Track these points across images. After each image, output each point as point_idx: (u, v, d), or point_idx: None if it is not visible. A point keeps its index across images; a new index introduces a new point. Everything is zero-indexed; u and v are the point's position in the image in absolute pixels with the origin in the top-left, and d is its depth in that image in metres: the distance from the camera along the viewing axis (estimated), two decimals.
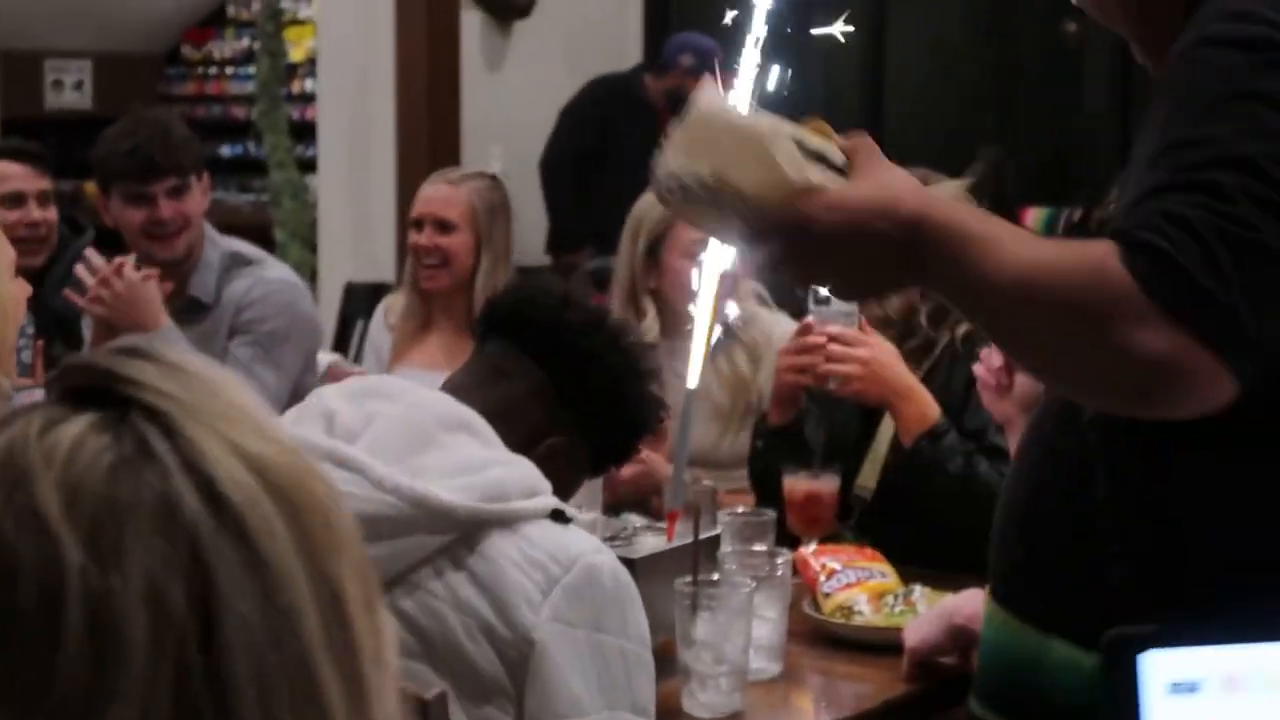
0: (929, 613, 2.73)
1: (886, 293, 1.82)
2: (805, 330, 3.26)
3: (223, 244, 4.26)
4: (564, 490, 2.25)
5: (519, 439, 2.20)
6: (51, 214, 4.58)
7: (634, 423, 2.37)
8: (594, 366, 2.30)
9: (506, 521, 2.08)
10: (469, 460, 2.11)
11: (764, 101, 2.32)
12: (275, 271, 4.33)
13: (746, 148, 1.72)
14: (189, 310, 4.18)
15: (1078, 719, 1.76)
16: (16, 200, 4.53)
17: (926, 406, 3.14)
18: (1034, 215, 8.34)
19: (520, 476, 2.13)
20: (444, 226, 4.07)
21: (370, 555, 2.06)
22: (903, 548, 3.04)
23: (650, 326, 3.88)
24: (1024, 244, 1.65)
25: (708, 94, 1.81)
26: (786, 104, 2.69)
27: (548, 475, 2.19)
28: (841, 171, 1.73)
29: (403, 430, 2.12)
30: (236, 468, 0.90)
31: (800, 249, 1.72)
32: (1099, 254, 1.59)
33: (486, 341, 2.34)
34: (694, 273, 3.75)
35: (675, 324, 3.85)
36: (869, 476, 3.28)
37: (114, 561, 0.85)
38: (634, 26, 8.73)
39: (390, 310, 4.36)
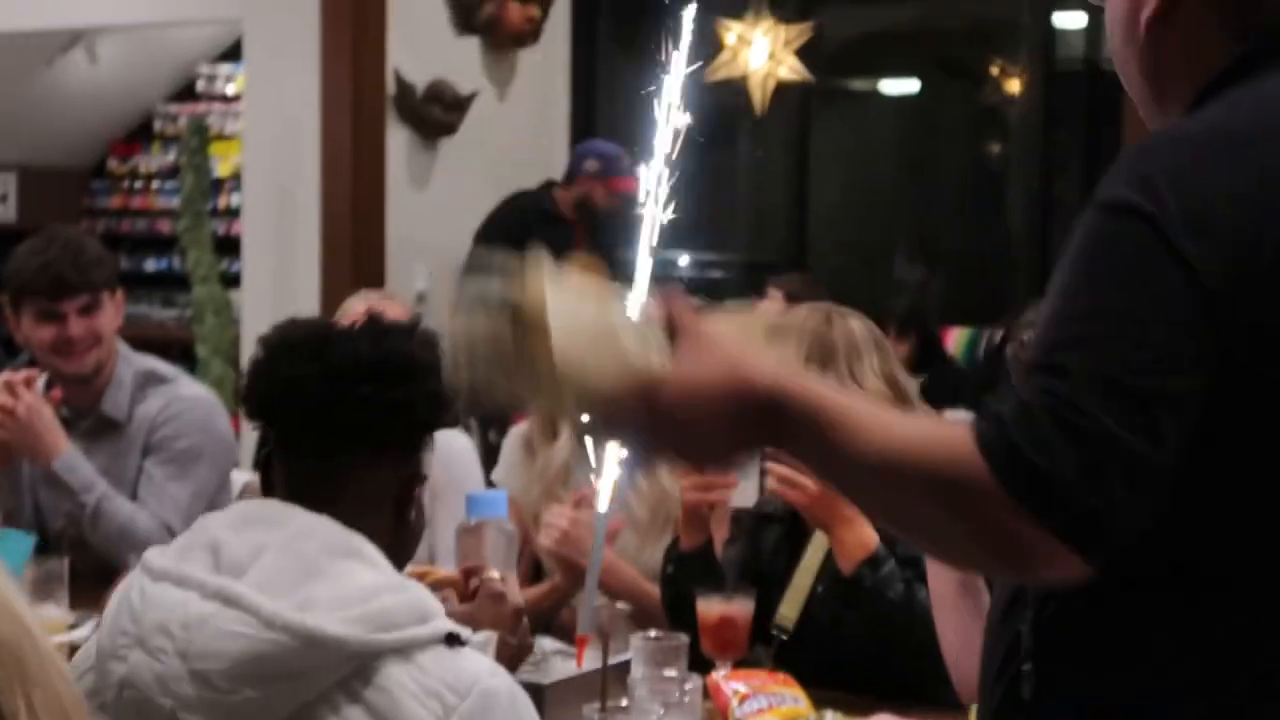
0: None
1: (744, 460, 1.83)
2: None
3: (136, 361, 4.23)
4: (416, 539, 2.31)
5: (380, 521, 2.22)
6: None
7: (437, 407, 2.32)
8: (383, 409, 2.23)
9: (400, 650, 2.05)
10: (359, 589, 2.07)
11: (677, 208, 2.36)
12: (189, 389, 4.30)
13: (600, 341, 1.68)
14: (101, 428, 4.14)
15: None
16: None
17: (866, 533, 3.13)
18: (956, 335, 8.38)
19: (410, 602, 2.10)
20: None
21: (266, 694, 2.03)
22: (821, 675, 3.03)
23: (560, 452, 3.86)
24: (882, 423, 1.66)
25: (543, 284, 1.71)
26: (708, 220, 2.69)
27: (416, 528, 2.26)
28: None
29: (290, 562, 2.08)
30: None
31: (655, 436, 1.72)
32: (955, 438, 1.61)
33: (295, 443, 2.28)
34: None
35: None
36: (791, 608, 3.26)
37: None
38: (559, 144, 8.78)
39: None
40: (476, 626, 2.43)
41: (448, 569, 3.59)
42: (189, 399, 4.23)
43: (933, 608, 2.85)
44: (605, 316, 1.70)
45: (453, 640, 2.10)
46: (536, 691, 2.58)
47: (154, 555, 2.16)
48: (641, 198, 2.69)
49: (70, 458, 3.99)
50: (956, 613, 2.77)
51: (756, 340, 1.80)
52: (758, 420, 1.68)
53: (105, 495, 4.02)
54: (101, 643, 2.13)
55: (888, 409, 1.75)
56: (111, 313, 4.14)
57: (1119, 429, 1.56)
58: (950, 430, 1.64)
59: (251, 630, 2.00)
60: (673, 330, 1.72)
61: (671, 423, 1.70)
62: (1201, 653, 1.68)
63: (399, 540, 2.27)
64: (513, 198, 7.83)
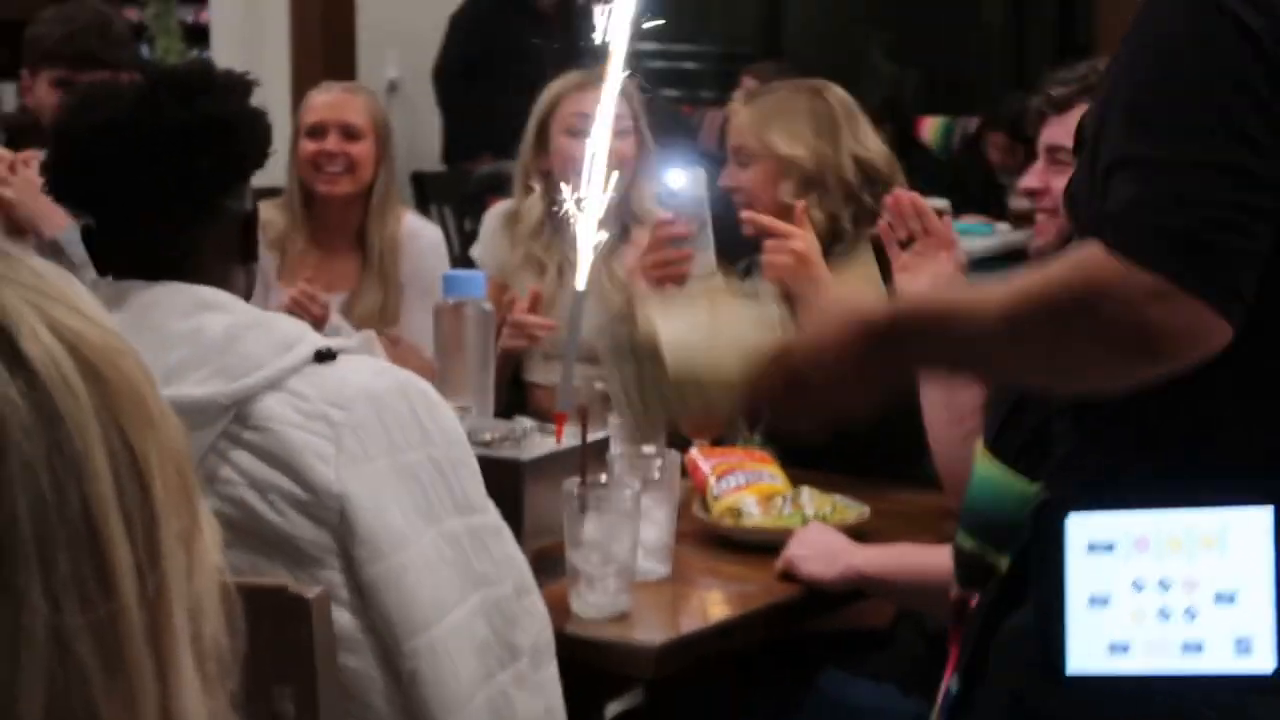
0: (825, 540, 2.72)
1: (880, 402, 1.93)
2: (662, 227, 3.27)
3: None
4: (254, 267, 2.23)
5: (227, 268, 2.16)
6: None
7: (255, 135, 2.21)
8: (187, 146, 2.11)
9: (271, 384, 2.01)
10: (213, 342, 2.03)
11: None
12: None
13: (713, 348, 1.86)
14: None
15: None
16: None
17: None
18: (931, 124, 8.36)
19: (271, 334, 2.05)
20: (350, 133, 3.98)
21: None
22: (799, 454, 3.05)
23: (534, 205, 3.85)
24: (991, 294, 1.76)
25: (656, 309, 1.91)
26: (681, 10, 2.66)
27: (248, 248, 2.19)
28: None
29: (140, 340, 2.03)
30: (41, 330, 0.90)
31: (795, 401, 1.86)
32: (1067, 267, 1.70)
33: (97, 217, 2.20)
34: (580, 155, 3.76)
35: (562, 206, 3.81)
36: None
37: None
38: None
39: (267, 226, 4.07)
40: None
41: (421, 353, 3.61)
42: None
43: (929, 420, 2.83)
44: (716, 319, 1.87)
45: (324, 356, 2.05)
46: (515, 467, 2.59)
47: None
48: None
49: (72, 231, 3.96)
50: (954, 423, 2.78)
51: (861, 286, 1.94)
52: (883, 353, 1.80)
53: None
54: None
55: (982, 286, 1.84)
56: None
57: (1223, 198, 1.64)
58: (1054, 267, 1.72)
59: None
60: (791, 301, 1.83)
61: (805, 384, 1.83)
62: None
63: (248, 284, 2.22)
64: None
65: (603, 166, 2.69)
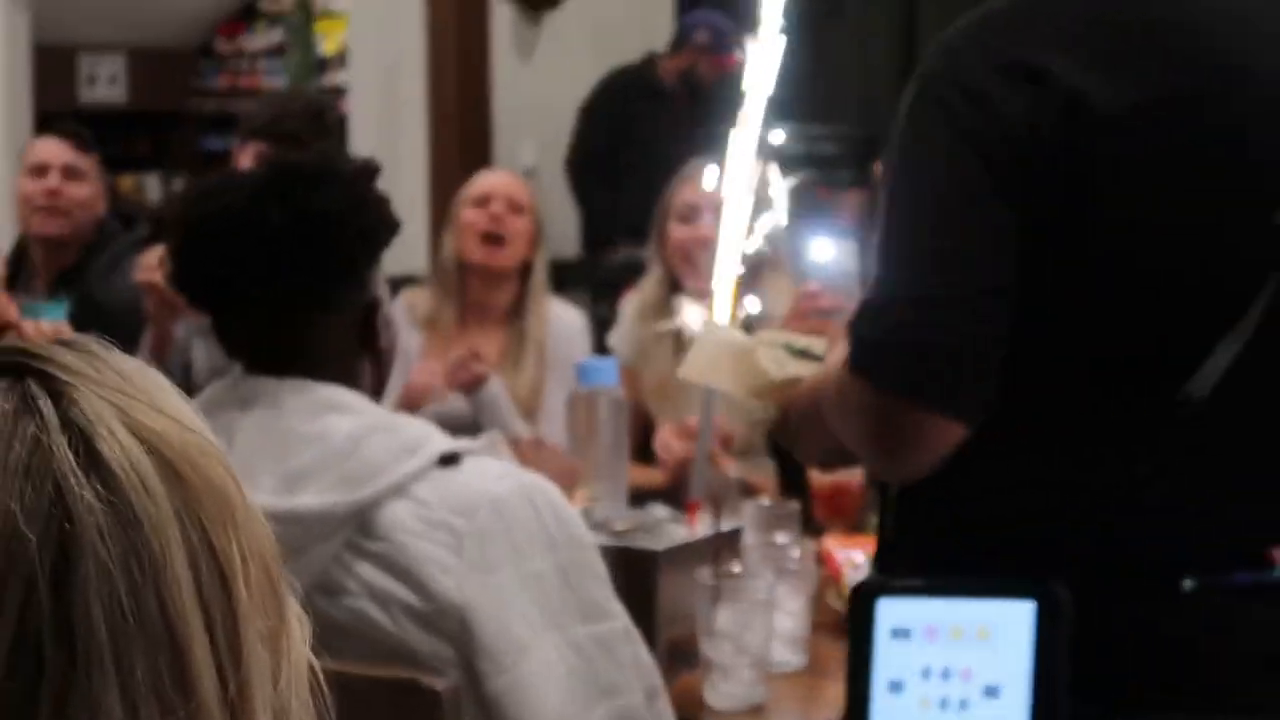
0: None
1: (826, 464, 2.18)
2: (811, 296, 3.22)
3: None
4: (389, 356, 2.21)
5: (351, 360, 2.14)
6: (78, 190, 4.41)
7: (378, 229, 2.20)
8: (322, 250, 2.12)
9: (395, 490, 1.99)
10: (340, 446, 2.01)
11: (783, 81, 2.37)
12: None
13: (738, 363, 2.10)
14: None
15: None
16: (40, 171, 4.44)
17: None
18: None
19: (395, 438, 2.03)
20: (516, 207, 4.01)
21: None
22: None
23: (655, 290, 3.87)
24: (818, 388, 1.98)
25: (705, 322, 2.29)
26: (815, 93, 2.66)
27: (386, 352, 2.17)
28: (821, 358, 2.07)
29: (265, 439, 2.04)
30: (120, 431, 0.90)
31: (783, 430, 2.09)
32: (834, 378, 1.89)
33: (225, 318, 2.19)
34: (690, 242, 3.74)
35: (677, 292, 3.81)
36: None
37: None
38: (663, 16, 8.70)
39: (415, 306, 4.15)
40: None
41: (557, 438, 3.61)
42: None
43: None
44: (745, 353, 2.10)
45: (448, 460, 2.03)
46: (650, 558, 2.59)
47: None
48: (748, 72, 2.66)
49: None
50: None
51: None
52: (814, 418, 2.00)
53: None
54: None
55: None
56: None
57: (952, 323, 1.77)
58: (830, 375, 1.92)
59: None
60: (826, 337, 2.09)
61: (785, 426, 2.08)
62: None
63: (377, 366, 2.19)
64: (614, 73, 7.74)
65: (730, 254, 2.68)
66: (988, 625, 1.79)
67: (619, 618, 2.09)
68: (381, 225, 2.16)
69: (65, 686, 0.85)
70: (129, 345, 4.41)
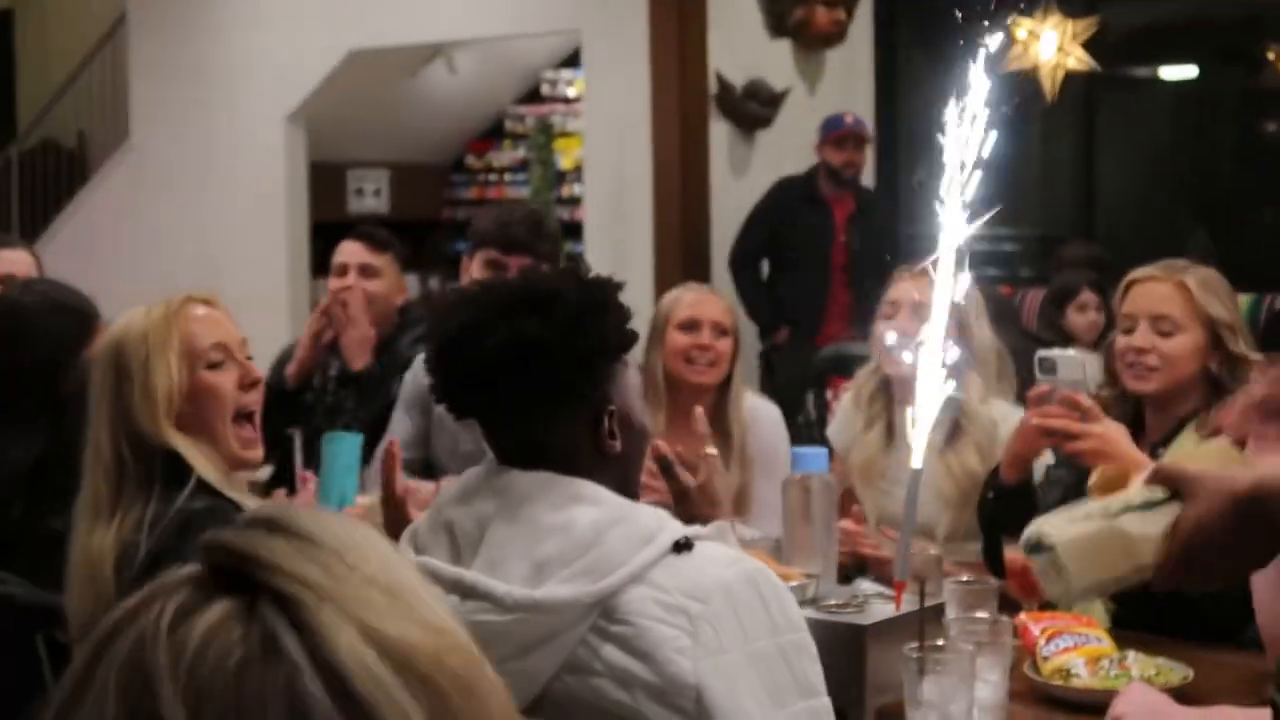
0: (1151, 699, 2.59)
1: (1260, 562, 1.97)
2: (1043, 397, 3.13)
3: None
4: (639, 441, 2.17)
5: (590, 457, 2.10)
6: (373, 284, 4.61)
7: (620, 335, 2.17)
8: (568, 354, 2.09)
9: (633, 578, 1.96)
10: (583, 536, 1.99)
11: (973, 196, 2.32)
12: None
13: (1106, 544, 1.94)
14: None
15: None
16: (341, 271, 4.64)
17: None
18: (1239, 301, 8.12)
19: (633, 530, 2.00)
20: (722, 330, 3.94)
21: (527, 662, 1.97)
22: (1129, 618, 2.94)
23: (867, 376, 3.82)
24: None
25: (1051, 526, 2.00)
26: (1001, 198, 2.62)
27: (628, 444, 2.12)
28: (1170, 498, 1.91)
29: (515, 528, 2.02)
30: (370, 657, 0.82)
31: (1194, 572, 1.89)
32: None
33: (484, 427, 2.18)
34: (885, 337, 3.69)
35: (897, 385, 3.75)
36: None
37: None
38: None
39: None
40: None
41: (767, 524, 3.56)
42: None
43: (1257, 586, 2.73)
44: (1110, 537, 1.94)
45: (681, 547, 2.00)
46: (858, 632, 2.54)
47: (405, 546, 2.12)
48: (951, 171, 2.62)
49: None
50: (1273, 610, 2.67)
51: (1232, 463, 2.02)
52: (1258, 515, 1.82)
53: None
54: None
55: None
56: None
57: None
58: None
59: (494, 615, 1.95)
60: (1176, 486, 1.91)
61: (1194, 560, 1.87)
62: None
63: (619, 462, 2.14)
64: (779, 182, 7.81)
65: (936, 356, 2.63)
66: None
67: (825, 695, 2.06)
68: (598, 348, 2.13)
69: None
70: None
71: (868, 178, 8.13)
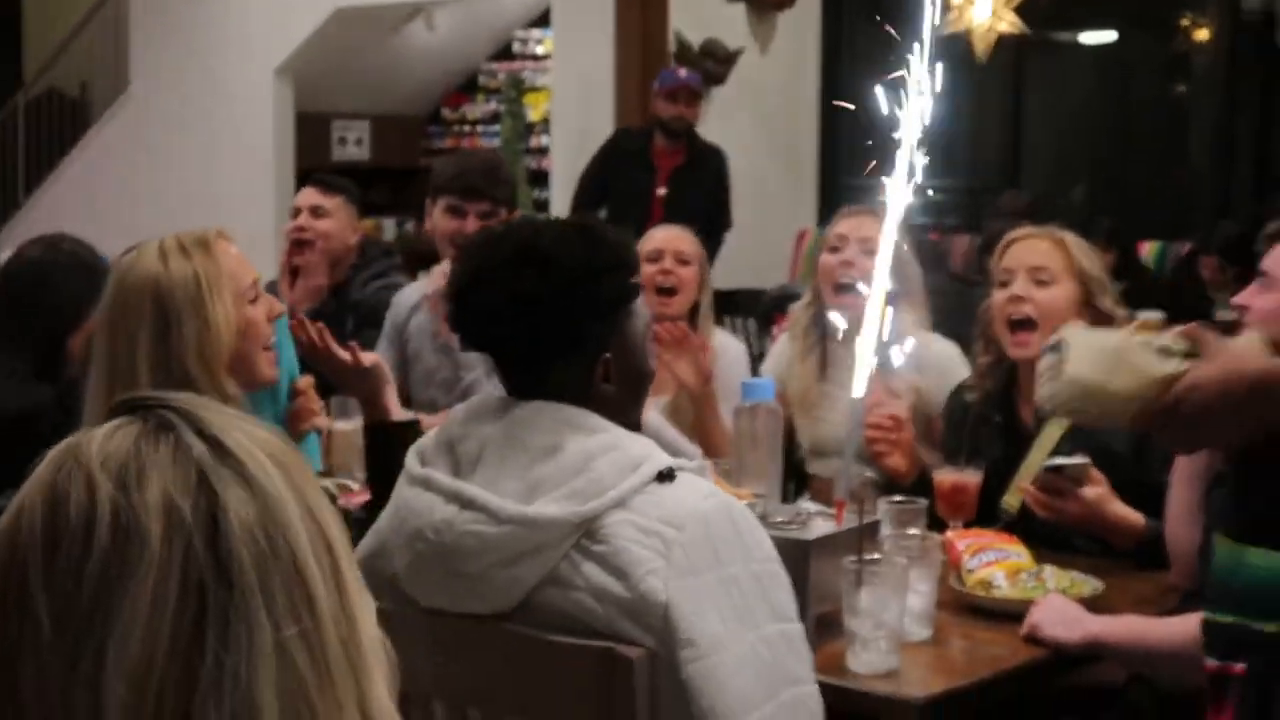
0: (1065, 609, 2.62)
1: (1235, 441, 1.96)
2: (876, 406, 3.22)
3: None
4: (638, 382, 2.16)
5: (589, 391, 2.09)
6: (323, 223, 4.57)
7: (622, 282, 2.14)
8: (572, 298, 2.08)
9: (617, 503, 1.97)
10: (573, 461, 1.99)
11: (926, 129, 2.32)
12: None
13: (1119, 361, 1.91)
14: None
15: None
16: (294, 213, 4.64)
17: (1135, 530, 2.96)
18: (1148, 248, 8.14)
19: (620, 459, 2.00)
20: (684, 259, 3.94)
21: (515, 570, 1.99)
22: (1044, 535, 2.97)
23: (801, 313, 3.82)
24: None
25: (1076, 331, 2.02)
26: (933, 152, 2.62)
27: (626, 384, 2.12)
28: (1187, 354, 1.90)
29: (514, 450, 2.03)
30: (240, 436, 1.03)
31: (1174, 425, 1.89)
32: None
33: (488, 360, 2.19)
34: (833, 270, 3.68)
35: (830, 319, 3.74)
36: (1014, 498, 3.18)
37: (137, 487, 0.99)
38: (810, 90, 8.69)
39: None
40: None
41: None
42: None
43: (1170, 515, 2.78)
44: (1122, 352, 1.92)
45: (664, 477, 2.00)
46: (803, 547, 2.56)
47: (412, 459, 2.12)
48: (903, 124, 2.62)
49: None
50: (1190, 522, 2.70)
51: (1254, 350, 1.97)
52: (1249, 398, 1.83)
53: (480, 379, 4.00)
54: (373, 544, 2.15)
55: None
56: None
57: None
58: None
59: (488, 526, 1.97)
60: (1197, 347, 1.90)
61: (1178, 413, 1.87)
62: None
63: (615, 401, 2.12)
64: (614, 133, 7.61)
65: (879, 291, 2.64)
66: None
67: (798, 622, 2.04)
68: (590, 307, 2.11)
69: (226, 611, 0.97)
70: (375, 330, 4.49)
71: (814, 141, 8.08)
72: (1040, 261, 3.23)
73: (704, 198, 7.19)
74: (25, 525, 1.00)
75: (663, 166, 7.33)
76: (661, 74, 7.43)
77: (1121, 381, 1.91)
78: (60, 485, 1.00)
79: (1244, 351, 1.90)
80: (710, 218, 6.86)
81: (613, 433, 2.06)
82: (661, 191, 7.29)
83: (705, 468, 2.19)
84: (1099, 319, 3.15)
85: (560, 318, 2.08)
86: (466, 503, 2.00)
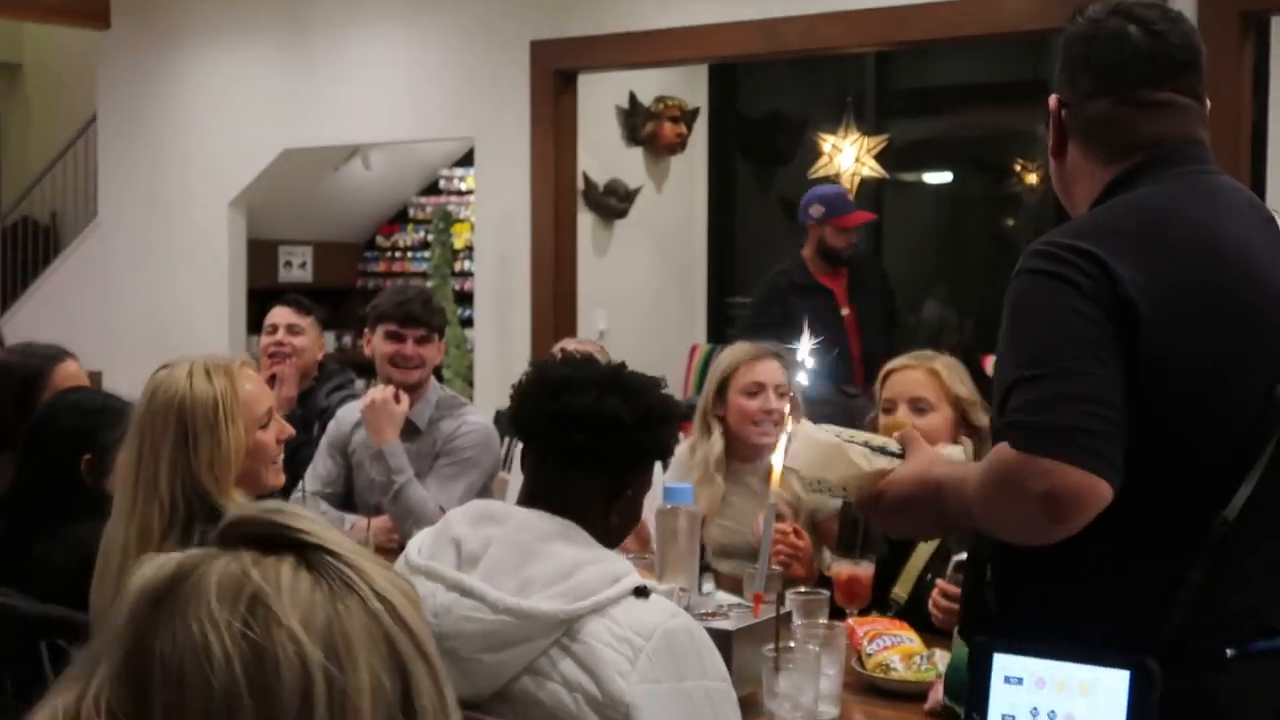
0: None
1: (934, 534, 2.20)
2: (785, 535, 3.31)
3: (439, 389, 4.28)
4: (630, 525, 2.16)
5: (596, 518, 2.10)
6: (298, 340, 4.64)
7: (663, 439, 2.18)
8: (613, 441, 2.11)
9: (598, 609, 1.97)
10: (563, 566, 1.99)
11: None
12: (475, 416, 4.32)
13: (835, 456, 2.00)
14: (407, 432, 4.15)
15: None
16: (272, 329, 4.66)
17: None
18: (990, 361, 8.26)
19: (604, 570, 2.01)
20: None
21: (501, 658, 1.97)
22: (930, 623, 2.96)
23: (715, 444, 3.78)
24: (972, 473, 1.82)
25: (802, 427, 2.09)
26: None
27: (624, 522, 2.12)
28: (900, 455, 1.99)
29: (511, 550, 2.02)
30: (399, 591, 0.92)
31: (880, 511, 1.99)
32: (996, 455, 1.76)
33: (534, 455, 2.17)
34: (752, 412, 3.66)
35: (737, 447, 3.76)
36: (904, 589, 3.17)
37: (350, 664, 0.88)
38: (700, 223, 8.75)
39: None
40: None
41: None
42: (474, 423, 4.26)
43: None
44: (836, 448, 2.01)
45: (640, 592, 2.01)
46: (726, 636, 2.53)
47: (413, 550, 2.10)
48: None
49: (396, 446, 4.01)
50: None
51: (954, 457, 2.13)
52: (933, 499, 1.89)
53: (410, 481, 4.00)
54: None
55: (973, 466, 1.90)
56: (435, 350, 4.20)
57: (1084, 395, 1.70)
58: (995, 452, 1.77)
59: (483, 614, 1.95)
60: (904, 447, 2.00)
61: (881, 502, 1.96)
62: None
63: (607, 532, 2.14)
64: (768, 277, 6.62)
65: (781, 418, 2.64)
66: (1088, 683, 1.73)
67: None
68: (650, 444, 2.15)
69: None
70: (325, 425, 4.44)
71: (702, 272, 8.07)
72: (917, 392, 3.28)
73: (882, 299, 6.61)
74: (218, 664, 0.86)
75: (837, 288, 6.53)
76: (828, 201, 6.35)
77: (836, 472, 2.00)
78: (259, 638, 0.87)
79: (940, 457, 1.96)
80: (889, 315, 6.68)
81: (598, 550, 2.05)
82: (845, 312, 6.50)
83: (674, 592, 2.21)
84: (976, 434, 3.18)
85: (623, 442, 2.09)
86: (466, 591, 1.98)
